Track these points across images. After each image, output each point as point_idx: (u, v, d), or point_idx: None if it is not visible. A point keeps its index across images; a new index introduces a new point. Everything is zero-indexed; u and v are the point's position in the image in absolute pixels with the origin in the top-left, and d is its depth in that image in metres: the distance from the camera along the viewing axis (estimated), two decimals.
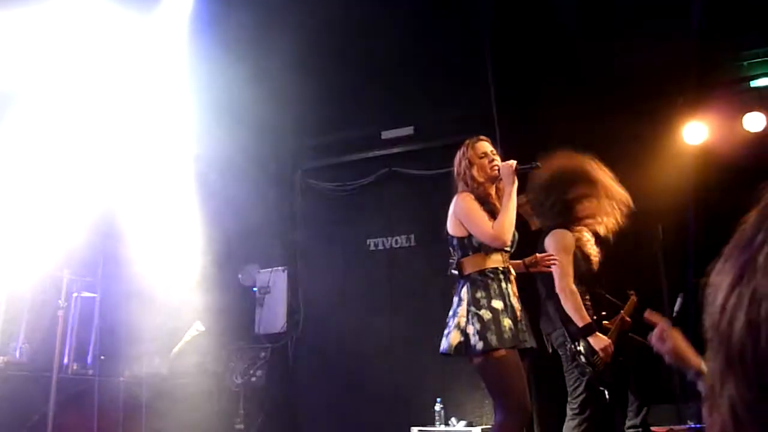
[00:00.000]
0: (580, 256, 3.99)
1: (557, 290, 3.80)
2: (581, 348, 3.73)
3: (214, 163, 7.04)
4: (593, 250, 4.10)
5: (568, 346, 3.80)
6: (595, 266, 4.10)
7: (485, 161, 3.40)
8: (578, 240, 4.01)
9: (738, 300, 0.62)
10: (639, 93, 5.89)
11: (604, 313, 4.10)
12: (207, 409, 6.25)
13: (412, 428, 5.46)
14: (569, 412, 3.85)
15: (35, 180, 6.14)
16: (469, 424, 5.53)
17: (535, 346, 3.29)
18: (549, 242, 3.92)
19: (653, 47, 5.88)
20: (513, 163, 3.35)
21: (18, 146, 6.16)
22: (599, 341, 3.70)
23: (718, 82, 5.92)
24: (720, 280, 0.66)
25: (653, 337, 2.06)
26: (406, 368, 6.24)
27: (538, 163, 3.48)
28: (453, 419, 5.69)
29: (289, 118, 7.37)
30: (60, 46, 6.35)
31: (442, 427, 5.49)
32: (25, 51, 6.15)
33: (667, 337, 1.99)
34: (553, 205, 4.08)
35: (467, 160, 3.41)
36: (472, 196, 3.31)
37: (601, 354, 3.68)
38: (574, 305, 3.74)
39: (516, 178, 3.32)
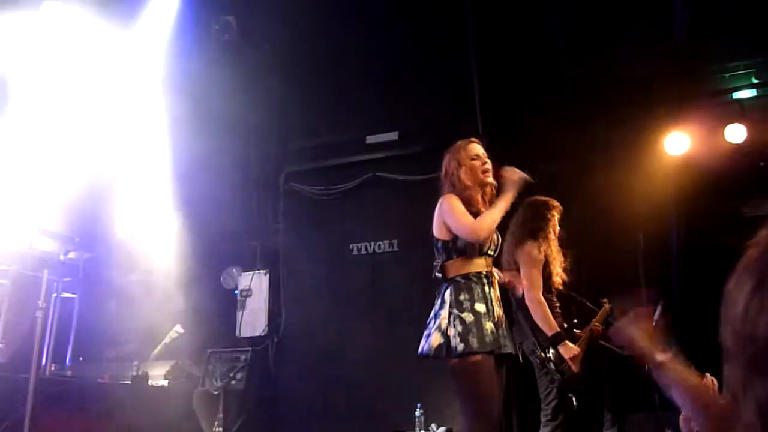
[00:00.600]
0: (549, 267, 4.15)
1: (526, 301, 3.99)
2: (550, 356, 3.90)
3: (198, 164, 7.01)
4: (560, 259, 4.25)
5: (538, 353, 3.95)
6: (562, 276, 4.22)
7: (477, 163, 3.37)
8: (546, 251, 4.18)
9: (760, 305, 0.65)
10: (622, 103, 5.95)
11: (575, 320, 4.22)
12: (186, 411, 6.21)
13: None
14: (543, 419, 3.99)
15: (17, 176, 6.10)
16: (449, 431, 5.53)
17: (514, 353, 3.26)
18: (519, 254, 4.12)
19: (636, 57, 5.94)
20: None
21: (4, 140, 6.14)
22: (567, 350, 3.90)
23: (700, 93, 5.99)
24: (738, 291, 0.70)
25: (615, 328, 2.11)
26: (387, 373, 6.23)
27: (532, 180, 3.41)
28: (433, 425, 5.68)
29: (274, 122, 7.36)
30: (48, 43, 6.34)
31: None
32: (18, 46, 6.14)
33: (627, 328, 2.01)
34: (524, 222, 4.27)
35: (456, 161, 3.37)
36: (458, 198, 3.29)
37: (569, 362, 3.85)
38: (542, 315, 3.94)
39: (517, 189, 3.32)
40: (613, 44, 6.08)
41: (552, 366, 3.91)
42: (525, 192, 3.48)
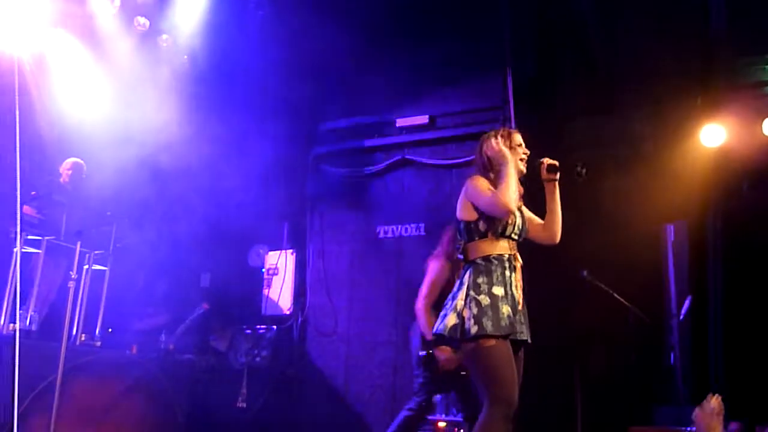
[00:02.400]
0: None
1: (415, 308, 4.57)
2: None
3: (228, 143, 7.06)
4: None
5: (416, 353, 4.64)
6: None
7: (519, 150, 3.33)
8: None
9: None
10: (657, 93, 5.85)
11: None
12: (210, 386, 6.31)
13: None
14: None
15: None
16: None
17: (529, 341, 3.22)
18: (428, 266, 4.66)
19: (672, 48, 5.84)
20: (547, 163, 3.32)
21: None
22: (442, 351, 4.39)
23: (737, 85, 5.87)
24: None
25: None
26: (408, 357, 6.26)
27: (584, 170, 3.35)
28: (454, 409, 5.70)
29: (304, 102, 7.37)
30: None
31: (443, 416, 5.50)
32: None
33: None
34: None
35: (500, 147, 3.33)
36: (484, 180, 3.27)
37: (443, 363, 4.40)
38: (425, 322, 4.45)
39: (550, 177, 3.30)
40: (650, 35, 5.97)
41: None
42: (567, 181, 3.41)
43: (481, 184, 3.24)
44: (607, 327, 5.36)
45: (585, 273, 4.92)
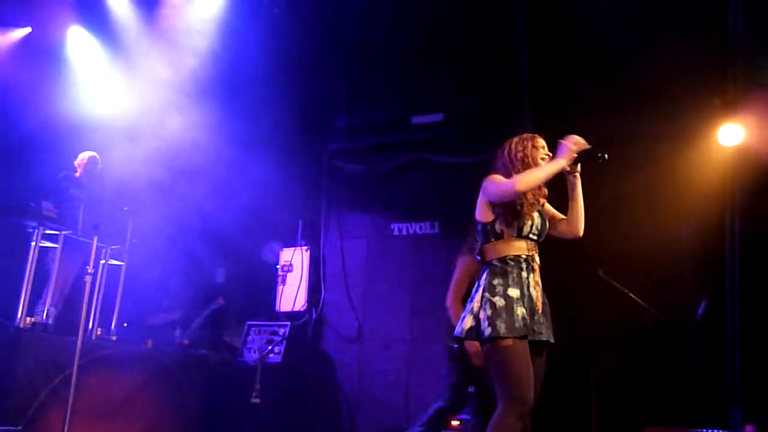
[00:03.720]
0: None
1: (446, 303, 4.51)
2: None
3: (243, 140, 7.08)
4: None
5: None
6: None
7: (541, 153, 3.32)
8: None
9: None
10: (674, 92, 5.80)
11: None
12: (224, 382, 6.34)
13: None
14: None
15: None
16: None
17: (551, 340, 3.21)
18: (458, 262, 4.58)
19: (690, 46, 5.78)
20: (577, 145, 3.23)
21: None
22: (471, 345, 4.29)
23: (755, 84, 5.80)
24: None
25: None
26: (423, 354, 6.27)
27: (605, 155, 3.27)
28: (468, 408, 5.70)
29: (319, 99, 7.39)
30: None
31: (457, 415, 5.50)
32: None
33: None
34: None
35: (523, 148, 3.31)
36: (503, 177, 3.25)
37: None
38: (454, 316, 4.35)
39: (573, 160, 3.22)
40: (667, 33, 5.92)
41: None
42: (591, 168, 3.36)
43: (499, 177, 3.24)
44: (623, 327, 5.32)
45: (601, 272, 4.90)
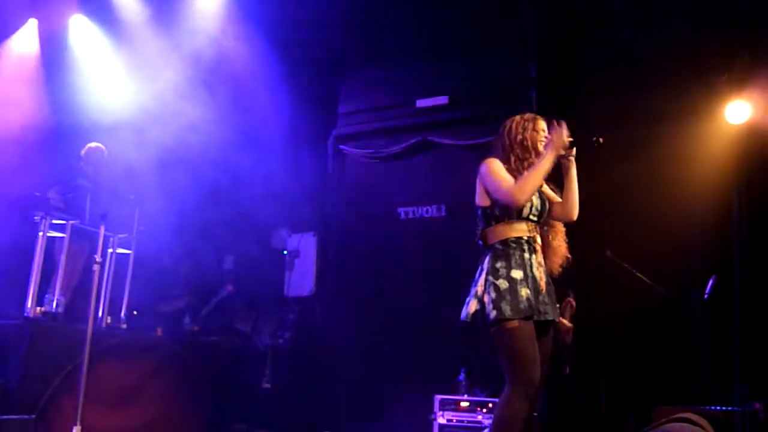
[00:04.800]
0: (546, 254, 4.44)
1: None
2: None
3: (249, 126, 7.08)
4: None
5: None
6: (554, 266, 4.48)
7: (540, 136, 3.29)
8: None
9: None
10: (681, 70, 5.75)
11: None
12: (235, 367, 6.38)
13: (436, 397, 5.50)
14: None
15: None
16: (493, 395, 5.56)
17: (557, 319, 3.24)
18: None
19: (696, 23, 5.72)
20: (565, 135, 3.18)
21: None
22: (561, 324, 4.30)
23: (762, 61, 5.74)
24: None
25: None
26: (430, 338, 6.28)
27: (600, 139, 3.26)
28: (476, 389, 5.72)
29: (324, 83, 7.36)
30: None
31: (466, 397, 5.52)
32: None
33: None
34: None
35: (523, 129, 3.29)
36: (499, 162, 3.23)
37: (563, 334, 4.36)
38: None
39: (564, 151, 3.18)
40: (674, 10, 5.86)
41: None
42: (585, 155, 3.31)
43: (496, 166, 3.22)
44: (631, 306, 5.32)
45: (609, 252, 4.89)
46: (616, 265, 4.86)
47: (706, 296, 5.28)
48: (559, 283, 4.32)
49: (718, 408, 4.40)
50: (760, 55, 5.68)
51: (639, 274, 4.89)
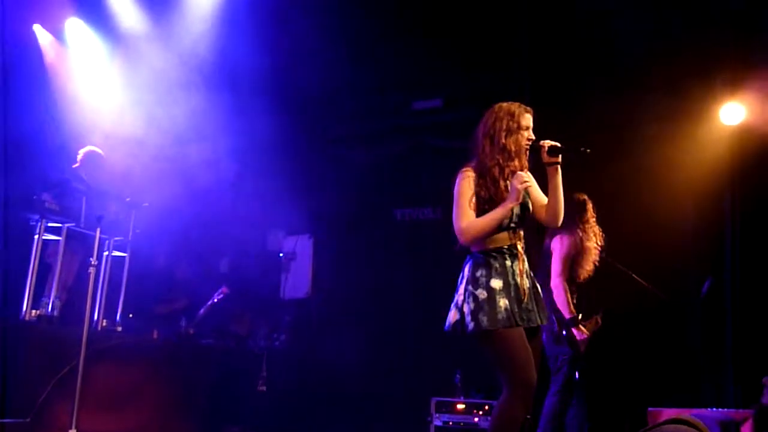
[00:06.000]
0: (578, 259, 4.57)
1: (551, 285, 4.52)
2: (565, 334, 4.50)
3: (244, 129, 7.08)
4: (593, 255, 4.62)
5: (555, 330, 4.55)
6: (588, 271, 4.61)
7: (525, 134, 3.10)
8: (578, 246, 4.57)
9: None
10: (675, 72, 5.77)
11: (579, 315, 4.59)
12: (230, 370, 6.37)
13: (432, 399, 5.51)
14: (553, 387, 4.55)
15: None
16: (488, 397, 5.57)
17: (541, 323, 3.11)
18: (555, 244, 4.59)
19: (691, 25, 5.75)
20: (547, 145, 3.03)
21: None
22: (580, 332, 4.48)
23: (756, 63, 5.77)
24: None
25: None
26: (427, 340, 6.28)
27: (588, 150, 3.04)
28: (472, 391, 5.73)
29: (318, 86, 7.36)
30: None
31: (462, 399, 5.53)
32: None
33: None
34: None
35: (506, 127, 3.09)
36: (473, 175, 3.08)
37: (579, 343, 4.47)
38: (564, 300, 4.48)
39: (555, 151, 3.04)
40: (668, 12, 5.88)
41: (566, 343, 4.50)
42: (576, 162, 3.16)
43: (464, 189, 3.08)
44: (627, 308, 5.33)
45: (603, 254, 4.89)
46: (610, 266, 4.86)
47: (702, 296, 5.30)
48: (592, 303, 4.47)
49: (714, 410, 4.41)
50: (754, 56, 5.71)
51: (634, 276, 4.90)
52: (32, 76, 7.03)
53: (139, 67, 7.15)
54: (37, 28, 7.12)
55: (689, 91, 5.76)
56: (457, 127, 6.62)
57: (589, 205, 4.65)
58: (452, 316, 3.11)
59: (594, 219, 4.65)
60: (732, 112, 5.68)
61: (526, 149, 3.11)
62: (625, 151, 5.77)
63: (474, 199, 3.07)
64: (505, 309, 2.98)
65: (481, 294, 3.01)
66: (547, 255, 4.64)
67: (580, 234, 4.55)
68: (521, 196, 3.03)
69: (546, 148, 3.07)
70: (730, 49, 5.70)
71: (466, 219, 3.04)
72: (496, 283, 3.03)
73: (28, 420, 4.37)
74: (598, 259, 4.62)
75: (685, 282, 5.52)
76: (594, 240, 4.60)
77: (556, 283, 4.51)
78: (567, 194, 3.17)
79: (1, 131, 6.23)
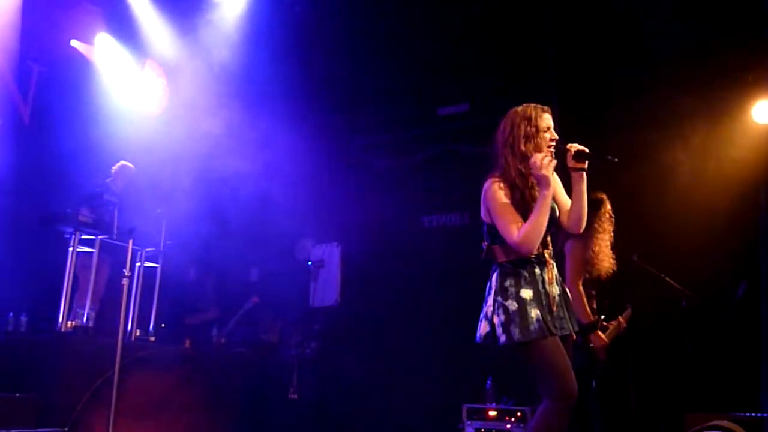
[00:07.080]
0: (591, 262, 4.41)
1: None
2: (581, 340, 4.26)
3: (271, 137, 7.13)
4: (608, 255, 4.44)
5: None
6: (606, 271, 4.43)
7: (547, 136, 2.98)
8: (593, 247, 4.39)
9: None
10: (707, 70, 5.69)
11: (603, 316, 4.49)
12: (261, 378, 6.41)
13: (464, 406, 5.48)
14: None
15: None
16: (520, 403, 5.52)
17: (575, 329, 3.03)
18: (568, 246, 4.39)
19: (722, 22, 5.67)
20: (574, 147, 2.92)
21: None
22: (597, 339, 4.30)
23: None
24: None
25: None
26: (457, 346, 6.25)
27: (615, 159, 2.93)
28: (504, 398, 5.68)
29: (345, 94, 7.39)
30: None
31: (494, 405, 5.49)
32: None
33: None
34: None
35: (525, 131, 2.98)
36: (501, 184, 2.96)
37: (597, 349, 4.29)
38: (580, 304, 4.28)
39: (579, 168, 2.93)
40: (698, 11, 5.80)
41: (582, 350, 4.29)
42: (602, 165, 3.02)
43: (500, 196, 2.96)
44: (660, 312, 5.25)
45: (635, 257, 4.82)
46: (642, 269, 4.80)
47: (737, 299, 5.20)
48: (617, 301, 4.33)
49: (752, 415, 4.32)
50: None
51: (667, 278, 4.82)
52: (68, 91, 7.17)
53: (170, 82, 7.26)
54: (75, 43, 7.26)
55: (721, 90, 5.67)
56: (484, 131, 6.61)
57: (606, 205, 4.45)
58: (482, 327, 3.02)
59: (610, 218, 4.44)
60: (764, 111, 5.58)
61: (550, 151, 2.97)
62: (654, 150, 5.70)
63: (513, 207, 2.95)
64: (537, 319, 2.89)
65: (512, 305, 2.91)
66: (562, 258, 4.46)
67: (591, 234, 4.35)
68: (550, 180, 2.88)
69: (572, 153, 2.95)
70: (761, 47, 5.61)
71: (517, 229, 2.90)
72: (527, 293, 2.93)
73: (66, 429, 4.45)
74: (612, 255, 4.42)
75: (719, 285, 5.42)
76: (606, 238, 4.41)
77: (571, 289, 4.28)
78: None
79: (38, 148, 6.38)
